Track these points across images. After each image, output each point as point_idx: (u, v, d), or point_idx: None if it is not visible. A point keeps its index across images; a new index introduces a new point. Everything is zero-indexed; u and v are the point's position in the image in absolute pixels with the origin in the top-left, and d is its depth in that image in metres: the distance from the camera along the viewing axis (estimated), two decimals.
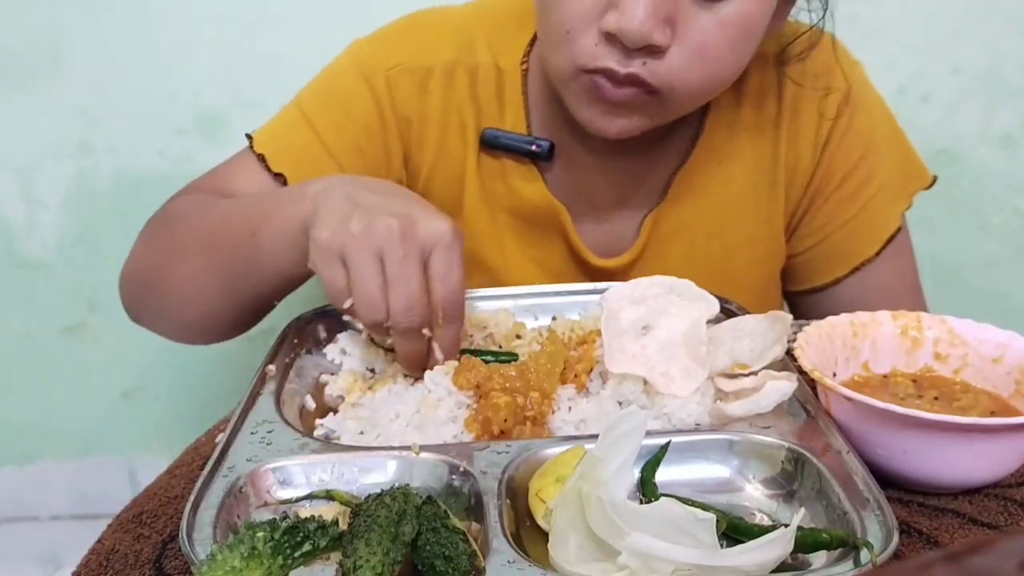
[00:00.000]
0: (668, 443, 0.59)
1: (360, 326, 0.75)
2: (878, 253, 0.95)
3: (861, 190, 0.95)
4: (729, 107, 0.93)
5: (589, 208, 0.95)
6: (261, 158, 0.91)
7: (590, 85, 0.78)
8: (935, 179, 0.98)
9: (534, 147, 0.92)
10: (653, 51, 0.75)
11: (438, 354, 0.68)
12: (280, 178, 0.90)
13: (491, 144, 0.93)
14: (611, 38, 0.75)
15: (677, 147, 0.94)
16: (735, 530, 0.54)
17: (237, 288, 0.79)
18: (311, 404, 0.70)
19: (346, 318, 0.75)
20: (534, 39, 0.93)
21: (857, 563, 0.49)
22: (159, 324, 0.90)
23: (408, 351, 0.68)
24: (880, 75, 1.41)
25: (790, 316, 0.67)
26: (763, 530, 0.52)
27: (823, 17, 0.88)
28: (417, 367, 0.69)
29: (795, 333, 0.67)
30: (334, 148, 0.91)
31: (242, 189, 0.90)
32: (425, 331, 0.67)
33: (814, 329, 0.68)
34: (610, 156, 0.92)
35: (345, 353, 0.76)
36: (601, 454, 0.51)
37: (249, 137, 0.93)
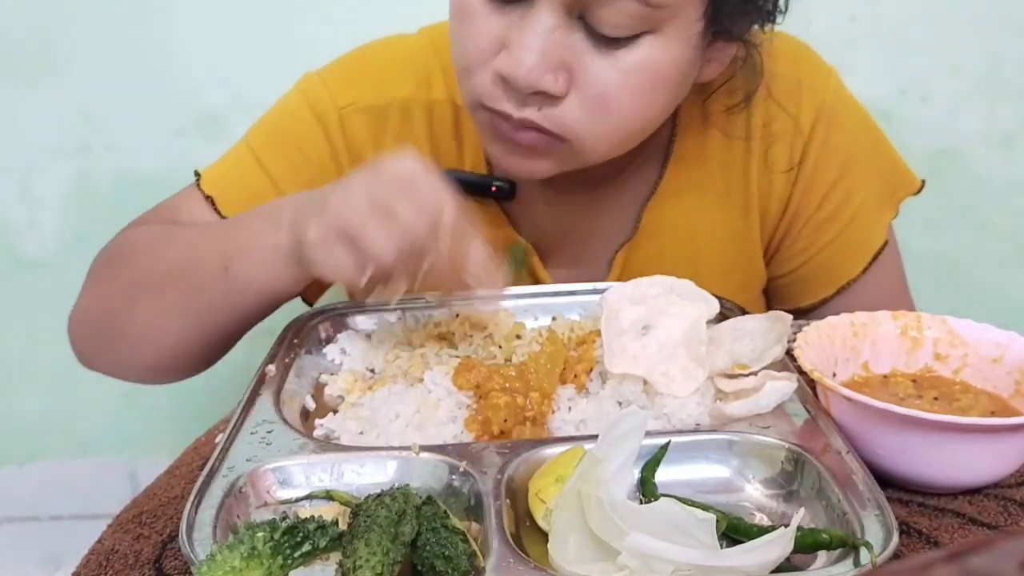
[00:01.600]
0: (668, 443, 0.59)
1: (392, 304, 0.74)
2: (864, 271, 0.92)
3: (842, 209, 0.91)
4: (696, 130, 0.89)
5: (558, 245, 0.92)
6: (210, 200, 0.87)
7: (489, 121, 0.76)
8: (923, 184, 0.94)
9: (495, 187, 0.88)
10: (546, 98, 0.72)
11: (476, 252, 0.68)
12: None
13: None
14: (503, 81, 0.72)
15: (643, 176, 0.90)
16: (735, 530, 0.53)
17: (206, 323, 0.77)
18: (311, 404, 0.70)
19: (371, 301, 0.73)
20: None
21: (857, 563, 0.49)
22: (115, 368, 0.86)
23: (434, 262, 0.65)
24: (880, 75, 1.41)
25: (790, 316, 0.67)
26: (763, 530, 0.52)
27: (754, 51, 0.82)
28: (448, 282, 0.68)
29: (795, 333, 0.67)
30: (287, 190, 0.87)
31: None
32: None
33: (814, 329, 0.68)
34: (575, 191, 0.89)
35: (345, 353, 0.76)
36: (601, 454, 0.52)
37: (197, 175, 0.90)
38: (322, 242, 0.64)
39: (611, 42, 0.71)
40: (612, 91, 0.72)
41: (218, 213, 0.87)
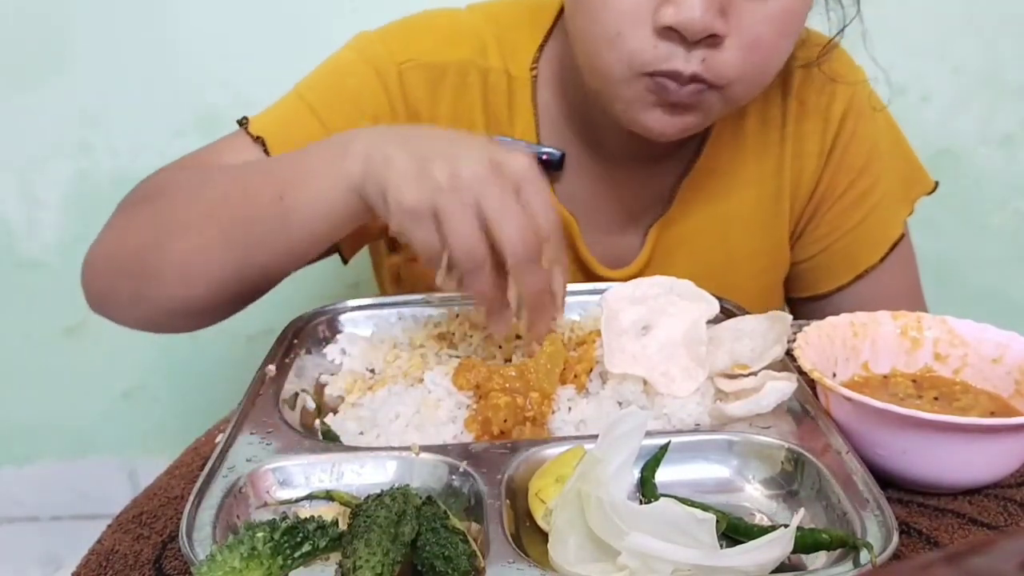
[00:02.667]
0: (668, 443, 0.59)
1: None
2: (882, 260, 0.95)
3: (865, 197, 0.95)
4: (733, 115, 0.92)
5: (596, 219, 0.94)
6: (259, 141, 0.85)
7: (654, 88, 0.76)
8: (937, 185, 0.98)
9: (545, 157, 0.90)
10: (712, 43, 0.74)
11: (556, 284, 0.66)
12: None
13: None
14: (668, 33, 0.73)
15: (680, 155, 0.93)
16: (735, 530, 0.53)
17: (247, 259, 0.72)
18: (311, 404, 0.70)
19: (439, 283, 0.68)
20: (543, 45, 0.91)
21: (857, 563, 0.49)
22: (132, 310, 0.80)
23: (533, 284, 0.63)
24: (880, 75, 1.41)
25: (790, 316, 0.67)
26: (763, 530, 0.52)
27: (856, 15, 0.88)
28: (542, 307, 0.65)
29: (795, 333, 0.67)
30: None
31: None
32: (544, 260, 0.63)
33: (814, 329, 0.68)
34: (618, 166, 0.91)
35: (345, 353, 0.76)
36: (601, 454, 0.51)
37: (241, 121, 0.87)
38: (414, 210, 0.62)
39: None
40: (763, 34, 0.76)
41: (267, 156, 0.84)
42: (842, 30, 0.89)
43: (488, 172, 0.61)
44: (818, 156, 0.94)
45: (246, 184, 0.72)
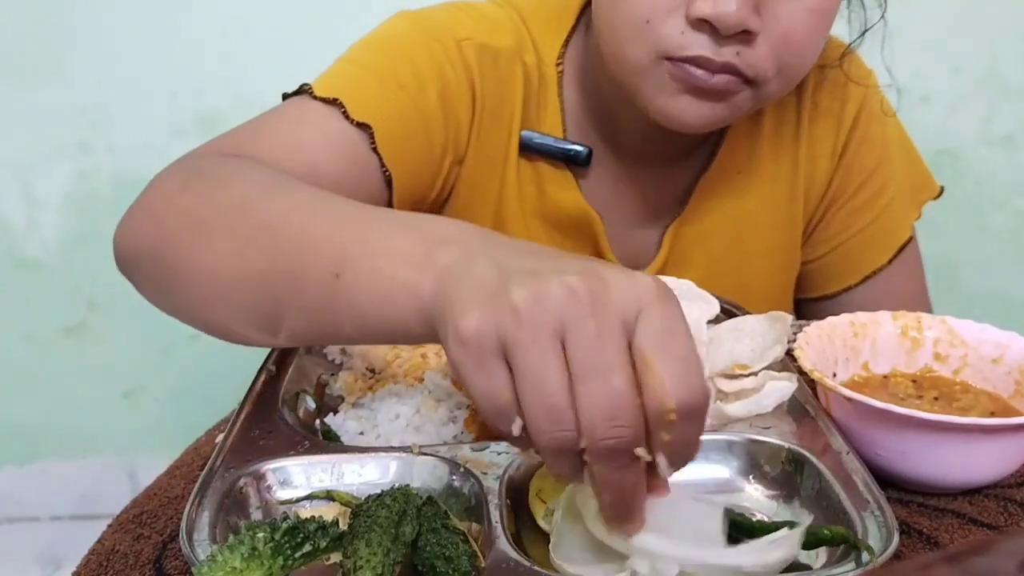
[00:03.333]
0: None
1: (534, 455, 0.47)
2: (890, 261, 0.96)
3: (876, 199, 0.95)
4: (749, 116, 0.91)
5: (618, 217, 0.94)
6: (335, 103, 0.77)
7: (679, 73, 0.75)
8: (942, 190, 0.98)
9: (573, 153, 0.89)
10: (745, 39, 0.74)
11: (663, 470, 0.44)
12: (366, 130, 0.77)
13: (527, 147, 0.89)
14: (700, 25, 0.73)
15: (697, 155, 0.93)
16: (737, 528, 0.53)
17: (282, 319, 0.58)
18: (311, 404, 0.70)
19: (513, 448, 0.54)
20: (567, 41, 0.91)
21: (859, 563, 0.49)
22: (157, 300, 0.67)
23: (613, 481, 0.44)
24: (880, 75, 1.40)
25: (790, 316, 0.67)
26: (765, 527, 0.52)
27: (881, 17, 0.89)
28: (626, 508, 0.46)
29: (795, 333, 0.67)
30: (416, 102, 0.81)
31: (318, 145, 0.76)
32: (639, 451, 0.43)
33: (814, 329, 0.68)
34: (638, 165, 0.91)
35: (345, 353, 0.76)
36: None
37: (303, 88, 0.79)
38: (477, 344, 0.43)
39: None
40: (796, 30, 0.75)
41: (349, 120, 0.77)
42: (864, 33, 0.90)
43: (588, 293, 0.42)
44: (830, 157, 0.94)
45: (305, 232, 0.57)
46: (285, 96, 0.83)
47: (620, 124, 0.89)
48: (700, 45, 0.74)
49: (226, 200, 0.63)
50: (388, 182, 0.81)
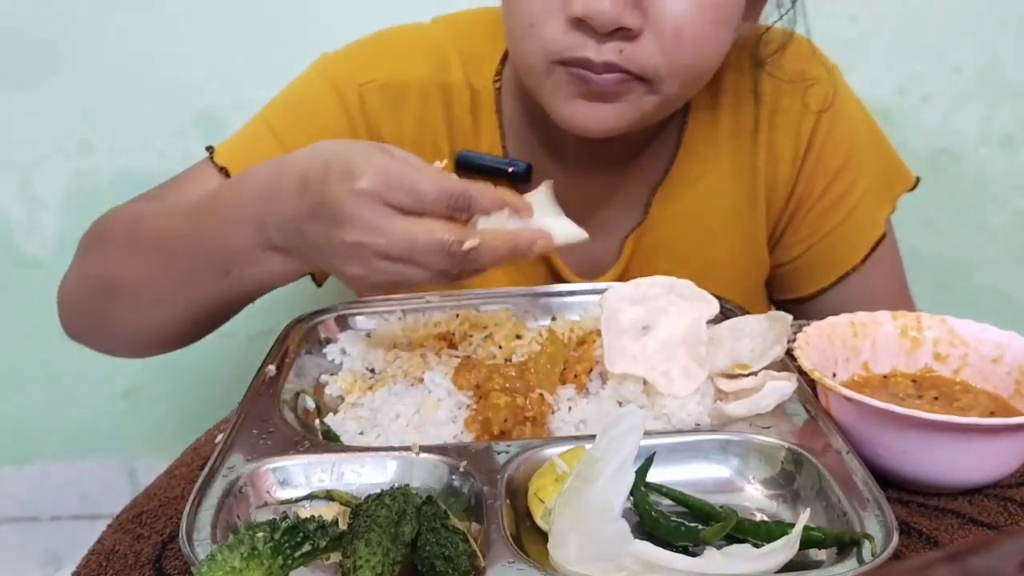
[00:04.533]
0: (653, 455, 0.57)
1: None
2: (863, 260, 0.94)
3: (844, 199, 0.93)
4: (706, 119, 0.91)
5: None
6: (224, 171, 0.86)
7: (568, 77, 0.76)
8: (918, 180, 0.97)
9: (511, 169, 0.89)
10: (626, 35, 0.73)
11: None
12: None
13: (467, 167, 0.90)
14: (580, 24, 0.73)
15: (655, 163, 0.92)
16: (741, 530, 0.53)
17: (206, 313, 0.77)
18: (311, 404, 0.70)
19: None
20: (505, 56, 0.91)
21: (861, 561, 0.49)
22: (103, 344, 0.87)
23: (487, 198, 0.64)
24: (880, 75, 1.41)
25: (790, 316, 0.67)
26: (769, 529, 0.52)
27: (791, 9, 0.86)
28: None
29: (795, 333, 0.67)
30: None
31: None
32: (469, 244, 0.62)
33: (814, 329, 0.68)
34: (587, 173, 0.90)
35: (345, 353, 0.76)
36: (599, 453, 0.51)
37: (209, 149, 0.89)
38: (370, 291, 0.66)
39: None
40: (686, 23, 0.74)
41: None
42: (786, 13, 0.87)
43: (345, 223, 0.62)
44: (792, 160, 0.93)
45: (195, 252, 0.73)
46: (207, 149, 0.90)
47: (559, 134, 0.88)
48: (581, 45, 0.73)
49: (131, 249, 0.79)
50: None
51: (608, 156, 0.86)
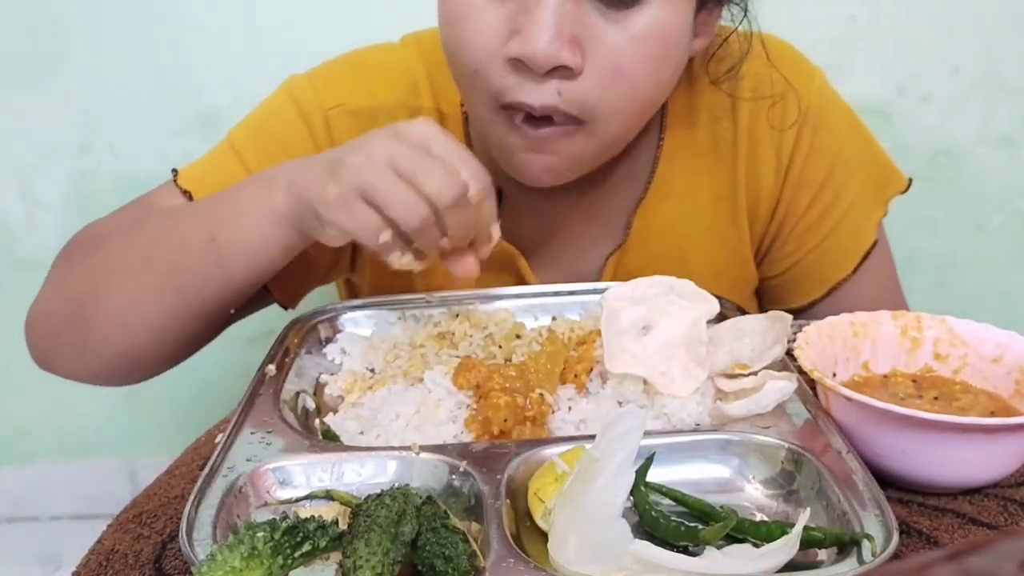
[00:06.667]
0: (653, 455, 0.57)
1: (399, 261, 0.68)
2: (855, 271, 0.92)
3: (831, 210, 0.91)
4: (683, 137, 0.89)
5: (546, 252, 0.92)
6: (187, 194, 0.85)
7: (509, 125, 0.75)
8: (911, 182, 0.94)
9: None
10: (565, 75, 0.71)
11: (494, 232, 0.69)
12: None
13: None
14: (519, 66, 0.71)
15: (632, 182, 0.90)
16: (742, 530, 0.53)
17: (187, 303, 0.74)
18: (311, 404, 0.70)
19: (396, 263, 0.68)
20: None
21: (861, 560, 0.49)
22: (79, 364, 0.82)
23: (462, 222, 0.66)
24: (880, 75, 1.41)
25: (790, 316, 0.67)
26: (769, 529, 0.52)
27: (743, 20, 0.83)
28: (466, 245, 0.69)
29: (795, 333, 0.67)
30: None
31: None
32: (471, 193, 0.65)
33: (814, 329, 0.68)
34: (561, 196, 0.87)
35: (345, 353, 0.76)
36: (598, 453, 0.51)
37: (175, 172, 0.88)
38: (341, 200, 0.64)
39: (619, 5, 0.71)
40: (626, 59, 0.72)
41: None
42: (738, 26, 0.84)
43: (394, 140, 0.64)
44: (775, 173, 0.90)
45: (178, 229, 0.74)
46: (173, 171, 0.89)
47: None
48: (520, 88, 0.72)
49: (105, 250, 0.78)
50: None
51: (582, 178, 0.83)
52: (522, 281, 0.92)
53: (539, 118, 0.73)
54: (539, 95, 0.72)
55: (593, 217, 0.91)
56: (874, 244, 0.93)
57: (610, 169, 0.87)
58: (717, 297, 0.71)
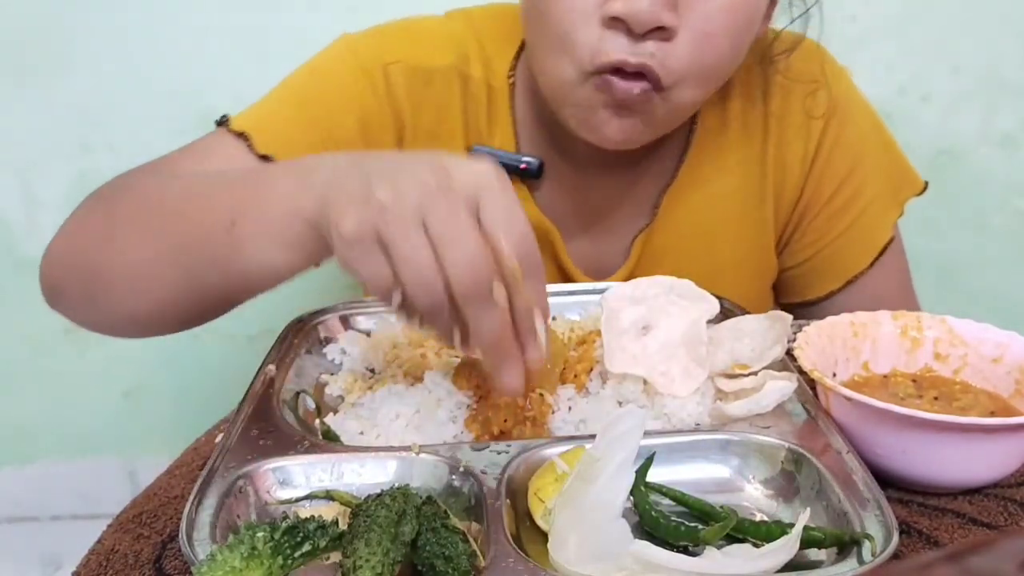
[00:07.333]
0: (653, 455, 0.57)
1: (408, 323, 0.59)
2: (871, 265, 0.95)
3: (852, 203, 0.94)
4: (715, 122, 0.92)
5: (578, 227, 0.94)
6: (243, 136, 0.81)
7: (599, 85, 0.76)
8: (927, 185, 0.97)
9: (523, 165, 0.89)
10: (661, 36, 0.73)
11: (539, 326, 0.56)
12: (269, 162, 0.82)
13: None
14: (616, 24, 0.73)
15: (664, 164, 0.93)
16: (742, 530, 0.53)
17: (200, 282, 0.66)
18: (311, 404, 0.70)
19: (394, 319, 0.62)
20: (519, 53, 0.91)
21: (861, 561, 0.49)
22: (85, 314, 0.77)
23: (485, 326, 0.54)
24: (880, 75, 1.41)
25: (790, 316, 0.67)
26: (770, 529, 0.52)
27: (804, 14, 0.87)
28: (504, 352, 0.56)
29: (795, 333, 0.67)
30: (332, 134, 0.84)
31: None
32: (496, 289, 0.53)
33: (814, 329, 0.68)
34: (597, 173, 0.91)
35: (345, 353, 0.76)
36: (599, 453, 0.51)
37: (221, 120, 0.84)
38: (357, 239, 0.53)
39: None
40: (715, 26, 0.75)
41: (253, 152, 0.81)
42: (800, 16, 0.88)
43: (436, 184, 0.53)
44: (801, 163, 0.93)
45: (202, 202, 0.66)
46: (217, 123, 0.86)
47: (569, 135, 0.88)
48: (617, 48, 0.73)
49: (128, 203, 0.73)
50: None
51: (619, 157, 0.86)
52: (556, 258, 0.93)
53: (631, 75, 0.74)
54: (636, 53, 0.73)
55: (624, 197, 0.93)
56: (890, 241, 0.95)
57: (645, 150, 0.89)
58: (717, 297, 0.71)
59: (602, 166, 0.89)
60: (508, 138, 0.91)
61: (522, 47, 0.91)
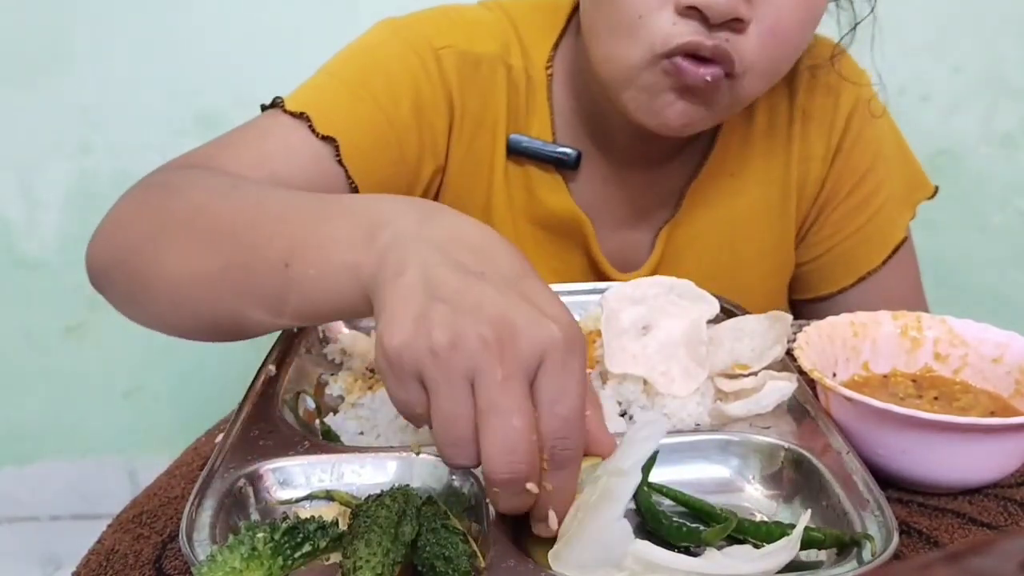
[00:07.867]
0: (654, 456, 0.57)
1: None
2: (884, 263, 0.96)
3: (869, 200, 0.95)
4: (741, 115, 0.92)
5: (609, 220, 0.94)
6: (302, 117, 0.79)
7: (667, 69, 0.76)
8: (937, 189, 0.98)
9: (561, 155, 0.90)
10: (734, 27, 0.74)
11: (552, 521, 0.49)
12: (331, 143, 0.80)
13: (516, 150, 0.90)
14: (690, 13, 0.73)
15: (690, 158, 0.93)
16: (741, 531, 0.53)
17: (244, 313, 0.62)
18: (311, 404, 0.70)
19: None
20: (557, 44, 0.92)
21: (861, 561, 0.49)
22: (127, 308, 0.73)
23: (503, 504, 0.49)
24: (880, 75, 1.41)
25: (790, 316, 0.67)
26: (770, 530, 0.52)
27: (870, 13, 0.88)
28: (516, 512, 0.50)
29: (795, 333, 0.67)
30: (389, 114, 0.83)
31: (282, 157, 0.78)
32: (530, 486, 0.48)
33: (814, 329, 0.68)
34: (630, 167, 0.92)
35: (345, 353, 0.76)
36: (627, 467, 0.49)
37: (276, 101, 0.82)
38: (398, 366, 0.47)
39: None
40: (785, 21, 0.75)
41: (315, 133, 0.79)
42: (854, 28, 0.89)
43: (498, 343, 0.46)
44: (823, 159, 0.94)
45: (257, 231, 0.61)
46: (263, 107, 0.84)
47: (610, 126, 0.89)
48: (691, 31, 0.74)
49: (183, 206, 0.68)
50: (356, 193, 0.81)
51: (655, 150, 0.87)
52: (588, 251, 0.94)
53: (702, 62, 0.75)
54: (711, 38, 0.74)
55: (651, 189, 0.94)
56: (903, 241, 0.96)
57: (680, 143, 0.90)
58: (717, 297, 0.71)
59: (637, 160, 0.90)
60: (545, 128, 0.91)
61: (560, 37, 0.92)
